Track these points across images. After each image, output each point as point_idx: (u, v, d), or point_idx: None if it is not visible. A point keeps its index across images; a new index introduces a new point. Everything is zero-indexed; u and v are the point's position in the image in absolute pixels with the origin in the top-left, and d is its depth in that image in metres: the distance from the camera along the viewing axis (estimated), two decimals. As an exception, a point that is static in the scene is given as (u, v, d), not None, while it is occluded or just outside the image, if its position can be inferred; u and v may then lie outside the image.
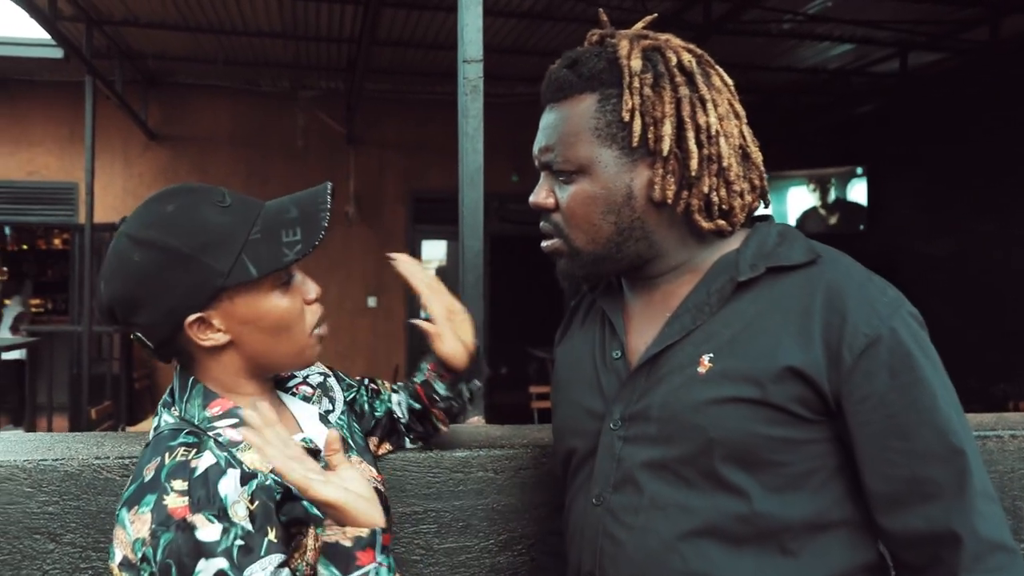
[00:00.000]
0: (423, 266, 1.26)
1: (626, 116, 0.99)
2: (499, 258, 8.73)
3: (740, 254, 1.01)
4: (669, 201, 1.00)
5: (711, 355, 0.96)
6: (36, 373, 8.45)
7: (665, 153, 0.99)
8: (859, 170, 8.04)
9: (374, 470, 1.17)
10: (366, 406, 1.29)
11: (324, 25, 6.18)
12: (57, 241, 11.17)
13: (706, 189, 1.00)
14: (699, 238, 1.04)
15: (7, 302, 9.18)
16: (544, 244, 1.09)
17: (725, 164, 1.00)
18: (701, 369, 0.96)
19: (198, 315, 0.97)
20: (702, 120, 1.00)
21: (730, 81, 1.05)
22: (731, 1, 5.18)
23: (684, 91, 1.00)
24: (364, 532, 0.89)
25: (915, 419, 0.90)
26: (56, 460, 1.23)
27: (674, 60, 1.01)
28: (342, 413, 1.19)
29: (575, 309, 1.25)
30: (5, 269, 11.37)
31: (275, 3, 5.70)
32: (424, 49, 6.69)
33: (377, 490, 1.13)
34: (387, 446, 1.34)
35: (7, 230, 11.24)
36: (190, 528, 0.86)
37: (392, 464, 1.35)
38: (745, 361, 0.94)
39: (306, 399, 1.16)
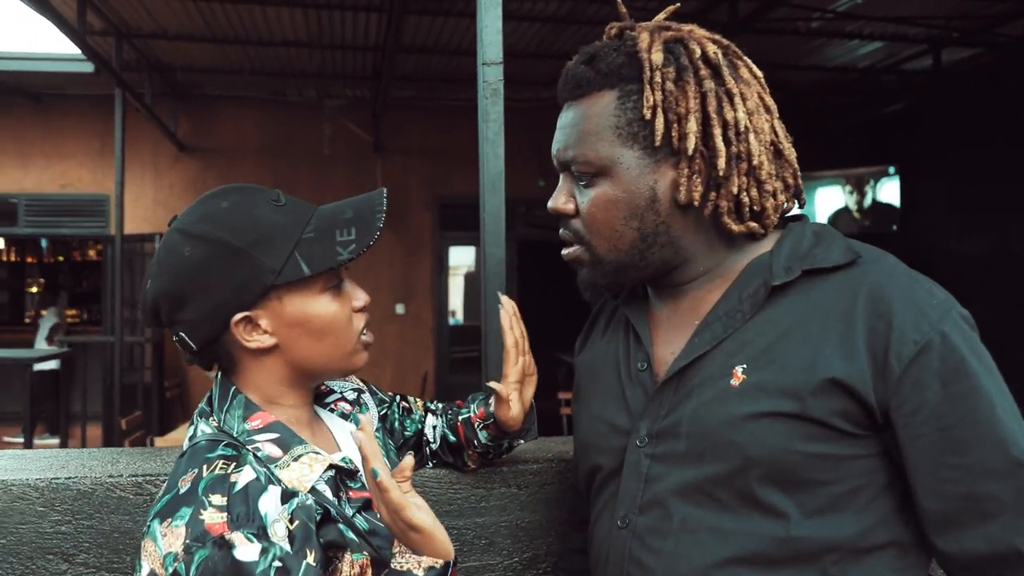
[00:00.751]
0: (519, 323, 1.23)
1: (647, 113, 0.93)
2: (526, 263, 8.69)
3: (773, 257, 0.95)
4: (695, 203, 0.94)
5: (744, 366, 0.90)
6: (70, 383, 8.58)
7: (690, 152, 0.93)
8: (891, 169, 7.90)
9: None
10: (396, 423, 1.26)
11: (349, 34, 6.19)
12: (92, 252, 11.37)
13: (735, 189, 0.94)
14: (728, 242, 0.98)
15: (43, 313, 9.32)
16: (564, 252, 1.04)
17: (755, 162, 0.94)
18: (734, 381, 0.90)
19: (245, 314, 0.94)
20: (729, 116, 0.94)
21: (759, 73, 0.99)
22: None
23: (709, 85, 0.94)
24: (439, 564, 0.86)
25: (972, 431, 0.83)
26: (69, 478, 1.21)
27: (698, 52, 0.95)
28: (376, 430, 1.16)
29: (596, 316, 1.20)
30: (42, 281, 11.58)
31: (300, 13, 5.72)
32: (448, 55, 6.68)
33: None
34: None
35: (43, 242, 11.45)
36: (228, 546, 0.82)
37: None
38: (782, 372, 0.88)
39: (344, 416, 1.13)
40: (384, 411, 1.24)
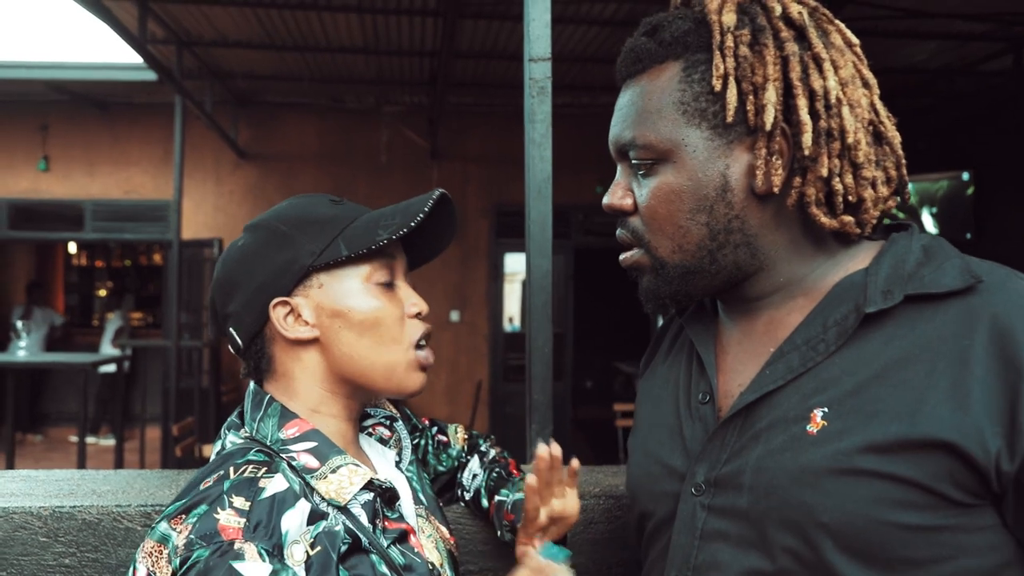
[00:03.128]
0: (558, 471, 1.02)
1: (717, 84, 0.79)
2: (585, 271, 8.55)
3: (870, 275, 0.78)
4: (776, 190, 0.79)
5: (825, 410, 0.74)
6: (132, 386, 8.73)
7: (768, 127, 0.78)
8: (965, 176, 7.52)
9: (446, 531, 1.01)
10: (430, 457, 1.15)
11: (405, 39, 6.15)
12: (157, 257, 11.62)
13: (825, 172, 0.78)
14: (816, 244, 0.82)
15: (109, 316, 9.53)
16: (623, 257, 0.89)
17: (850, 140, 0.78)
18: (811, 427, 0.74)
19: (284, 299, 0.88)
20: (817, 84, 0.78)
21: (855, 40, 0.83)
22: (827, -1, 4.89)
23: (792, 48, 0.78)
24: None
25: None
26: (74, 507, 1.12)
27: (778, 10, 0.80)
28: (410, 463, 1.05)
29: (661, 335, 1.04)
30: (110, 284, 11.88)
31: (356, 19, 5.69)
32: (505, 61, 6.59)
33: (451, 554, 0.98)
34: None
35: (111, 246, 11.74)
36: (234, 556, 0.72)
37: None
38: (874, 421, 0.71)
39: (383, 441, 1.03)
40: (417, 440, 1.13)
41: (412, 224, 0.89)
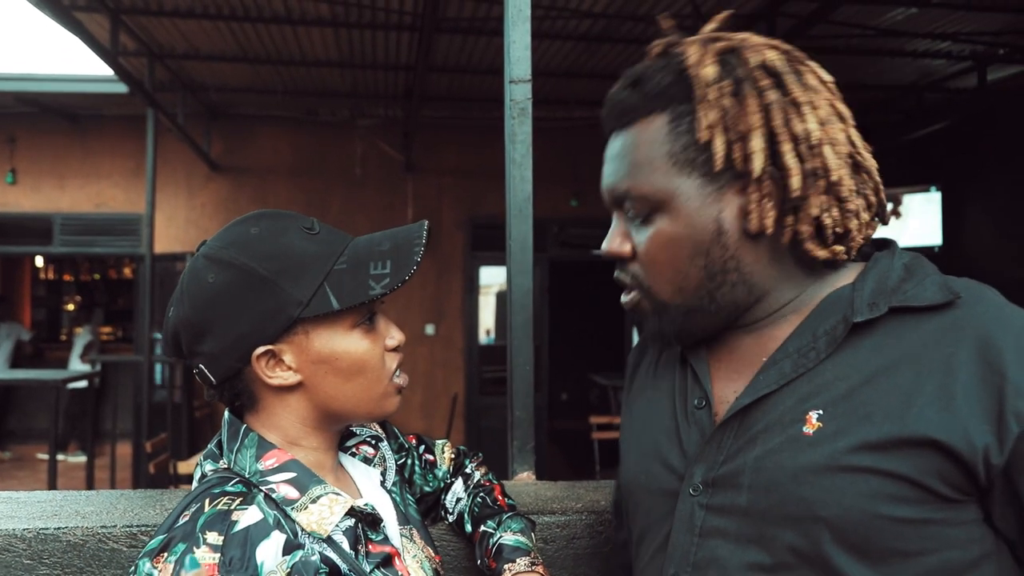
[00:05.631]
0: None
1: (703, 135, 0.83)
2: (560, 283, 8.58)
3: (856, 290, 0.83)
4: (768, 230, 0.83)
5: (820, 412, 0.78)
6: (102, 401, 8.61)
7: (757, 173, 0.82)
8: (933, 189, 7.68)
9: (432, 549, 1.02)
10: (417, 478, 1.14)
11: (380, 53, 6.17)
12: (127, 271, 11.48)
13: (815, 211, 0.83)
14: (808, 271, 0.87)
15: (78, 331, 9.40)
16: (624, 299, 0.93)
17: (834, 178, 0.82)
18: (807, 428, 0.78)
19: (268, 347, 0.86)
20: (799, 128, 0.82)
21: (828, 77, 0.87)
22: (797, 17, 4.98)
23: (773, 96, 0.83)
24: None
25: None
26: (58, 529, 1.12)
27: (756, 60, 0.84)
28: (394, 484, 1.05)
29: (640, 357, 1.07)
30: (78, 298, 11.72)
31: (331, 32, 5.70)
32: (480, 75, 6.63)
33: (437, 573, 0.99)
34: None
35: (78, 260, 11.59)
36: None
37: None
38: (866, 422, 0.76)
39: (367, 460, 1.03)
40: (403, 459, 1.13)
41: (407, 276, 0.88)
